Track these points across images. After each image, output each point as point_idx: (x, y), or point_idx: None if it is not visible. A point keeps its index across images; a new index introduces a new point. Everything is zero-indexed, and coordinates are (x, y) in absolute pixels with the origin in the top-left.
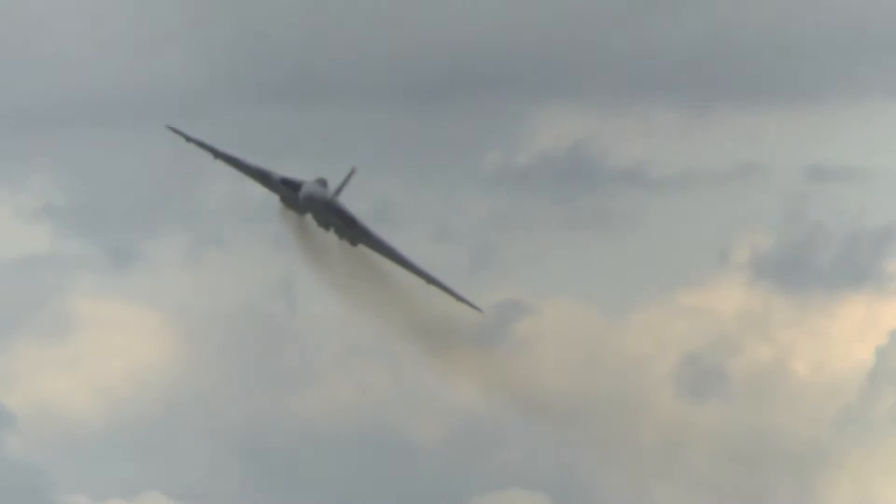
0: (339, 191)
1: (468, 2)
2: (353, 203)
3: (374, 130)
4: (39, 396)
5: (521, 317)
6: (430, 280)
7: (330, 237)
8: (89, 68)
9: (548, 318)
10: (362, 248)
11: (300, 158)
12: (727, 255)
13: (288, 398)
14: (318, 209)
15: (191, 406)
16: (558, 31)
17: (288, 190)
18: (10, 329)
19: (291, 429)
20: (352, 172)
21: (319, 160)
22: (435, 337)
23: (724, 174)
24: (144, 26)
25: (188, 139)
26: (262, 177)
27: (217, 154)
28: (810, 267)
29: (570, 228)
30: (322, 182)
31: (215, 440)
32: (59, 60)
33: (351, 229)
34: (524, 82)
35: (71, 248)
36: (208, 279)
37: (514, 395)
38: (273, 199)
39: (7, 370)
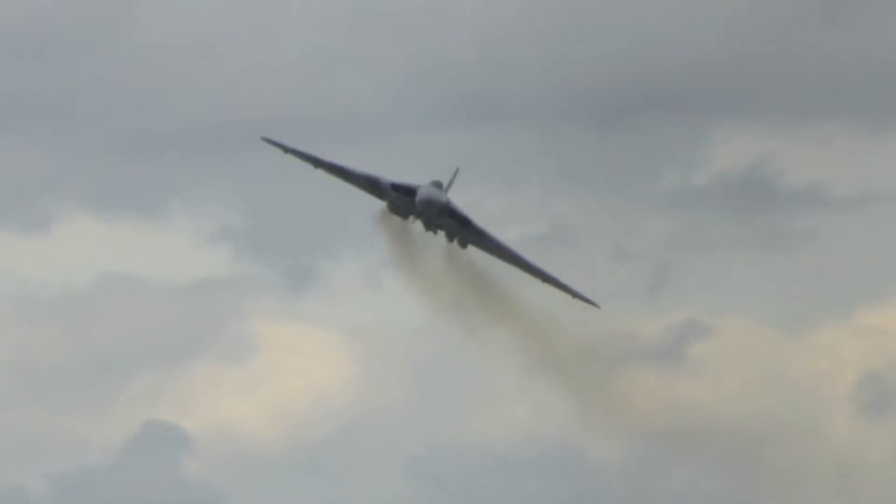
0: (447, 192)
1: (646, 24)
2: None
3: (552, 151)
4: (218, 419)
5: (698, 337)
6: (546, 278)
7: (437, 241)
8: (265, 91)
9: (725, 338)
10: (472, 251)
11: (478, 179)
12: None
13: (466, 418)
14: (434, 212)
15: (368, 427)
16: (736, 51)
17: (399, 195)
18: (189, 352)
19: (470, 449)
20: (456, 172)
21: (497, 181)
22: (611, 358)
23: None
24: (323, 48)
25: (286, 150)
26: (370, 183)
27: (318, 163)
28: None
29: (747, 248)
30: (438, 184)
31: (393, 461)
32: (236, 83)
33: (463, 230)
34: (702, 102)
35: (249, 270)
36: (386, 300)
37: (690, 415)
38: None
39: (186, 393)
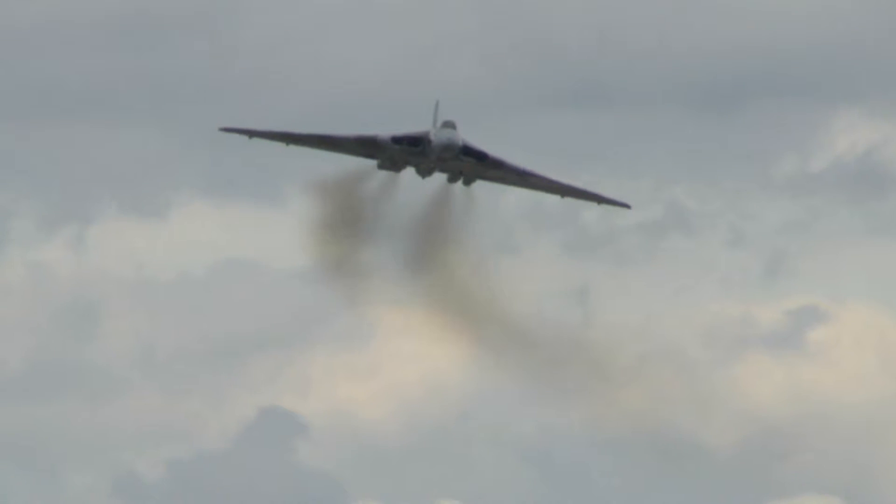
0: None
1: (765, 10)
2: None
3: (669, 136)
4: (334, 404)
5: (816, 323)
6: (569, 190)
7: (433, 185)
8: (377, 73)
9: (843, 324)
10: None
11: (594, 163)
12: None
13: (579, 404)
14: (453, 153)
15: (483, 413)
16: (854, 37)
17: (403, 146)
18: (305, 338)
19: (582, 435)
20: (437, 105)
21: (613, 166)
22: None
23: None
24: (436, 31)
25: (251, 135)
26: (364, 144)
27: (293, 139)
28: None
29: (864, 234)
30: (451, 125)
31: (508, 447)
32: (346, 72)
33: (478, 165)
34: (818, 89)
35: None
36: (500, 286)
37: (809, 400)
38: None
39: (303, 379)
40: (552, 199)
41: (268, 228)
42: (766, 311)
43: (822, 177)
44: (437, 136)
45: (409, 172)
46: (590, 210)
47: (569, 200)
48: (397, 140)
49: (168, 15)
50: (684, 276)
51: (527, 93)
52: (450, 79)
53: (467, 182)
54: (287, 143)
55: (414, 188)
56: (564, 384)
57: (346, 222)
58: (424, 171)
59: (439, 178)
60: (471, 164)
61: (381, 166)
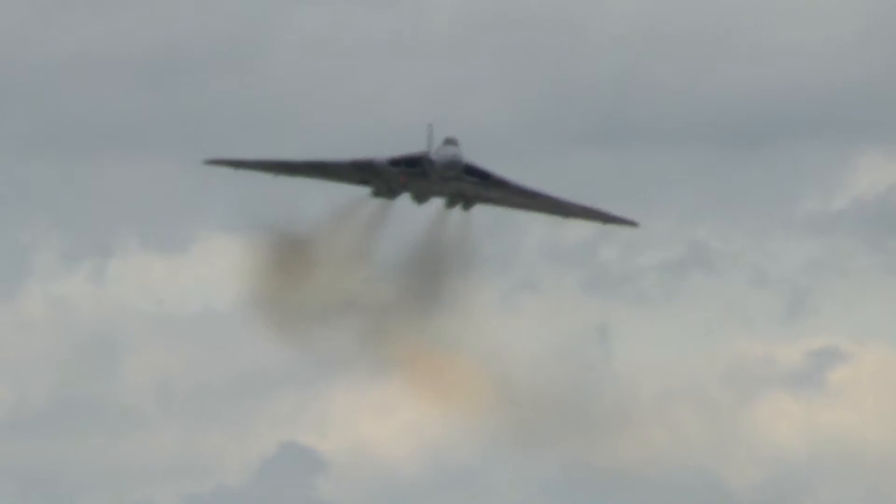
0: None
1: (787, 49)
2: None
3: (692, 174)
4: (354, 442)
5: (837, 364)
6: (574, 209)
7: (430, 211)
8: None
9: (864, 365)
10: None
11: (617, 199)
12: None
13: (601, 442)
14: (458, 171)
15: (503, 451)
16: (875, 77)
17: (401, 168)
18: (324, 376)
19: (604, 472)
20: (430, 128)
21: (636, 203)
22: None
23: None
24: (460, 67)
25: (237, 166)
26: (360, 168)
27: (283, 169)
28: None
29: (886, 273)
30: (453, 142)
31: (528, 485)
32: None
33: (481, 185)
34: (840, 129)
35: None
36: (523, 323)
37: (829, 441)
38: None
39: (322, 415)
40: (563, 236)
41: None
42: (786, 352)
43: (844, 216)
44: (440, 153)
45: (402, 200)
46: (609, 246)
47: (575, 230)
48: (395, 162)
49: (193, 49)
50: (705, 315)
51: (552, 130)
52: (476, 116)
53: (467, 206)
54: (276, 174)
55: (407, 217)
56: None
57: (347, 256)
58: (422, 196)
59: (436, 204)
60: (473, 184)
61: (375, 193)
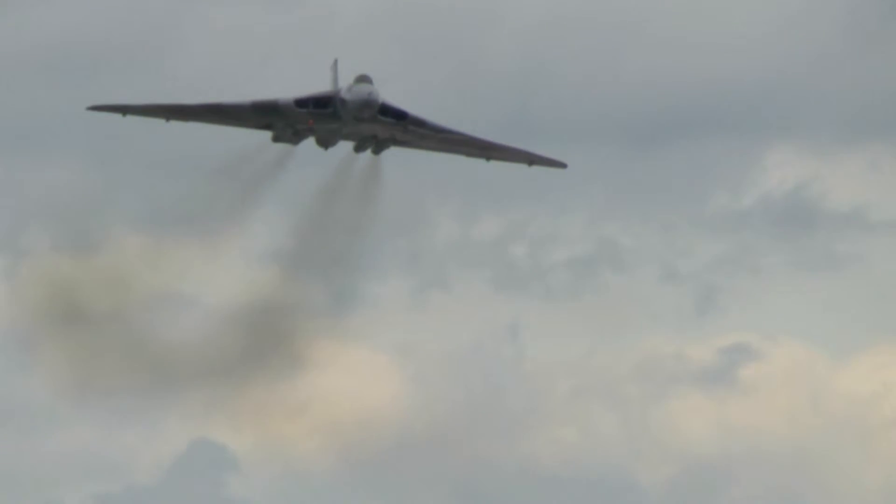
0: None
1: (695, 45)
2: None
3: (601, 173)
4: (266, 439)
5: (747, 360)
6: (497, 150)
7: (334, 156)
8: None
9: (774, 362)
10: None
11: (523, 199)
12: None
13: (514, 439)
14: (373, 111)
15: (417, 448)
16: (782, 74)
17: (309, 109)
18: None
19: (518, 470)
20: (335, 65)
21: (543, 201)
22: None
23: None
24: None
25: (125, 111)
26: (263, 111)
27: (177, 113)
28: None
29: (795, 270)
30: (367, 79)
31: (442, 482)
32: None
33: (397, 126)
34: (750, 125)
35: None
36: (434, 321)
37: (740, 437)
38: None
39: (235, 413)
40: (484, 234)
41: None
42: (697, 349)
43: (754, 213)
44: (353, 92)
45: (307, 145)
46: (519, 244)
47: (486, 226)
48: (302, 103)
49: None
50: (615, 313)
51: (458, 126)
52: None
53: (378, 150)
54: (168, 119)
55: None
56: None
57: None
58: (329, 140)
59: (344, 148)
60: (389, 125)
61: (276, 138)
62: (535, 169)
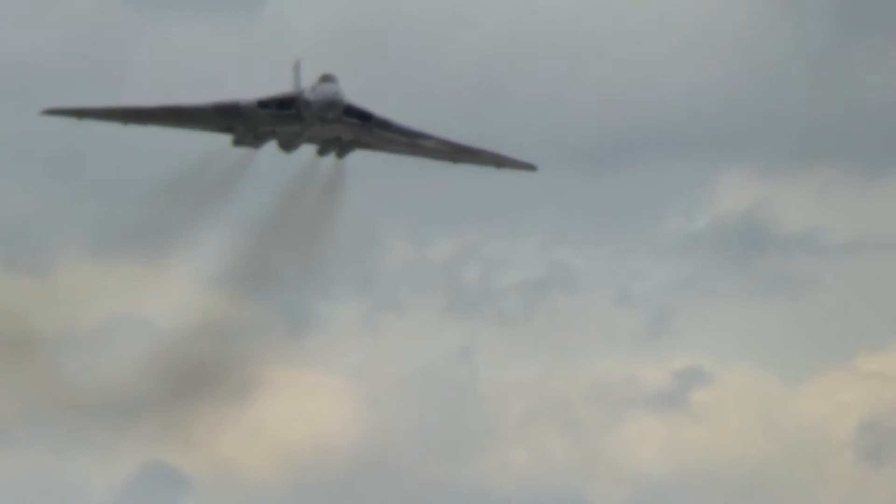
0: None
1: (644, 69)
2: None
3: (553, 196)
4: (220, 461)
5: (699, 384)
6: (466, 152)
7: (296, 160)
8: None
9: (726, 385)
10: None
11: (477, 222)
12: None
13: (468, 462)
14: (338, 112)
15: (370, 470)
16: (734, 97)
17: (273, 111)
18: (192, 394)
19: (471, 494)
20: (298, 65)
21: (497, 224)
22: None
23: None
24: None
25: (80, 115)
26: (225, 113)
27: (134, 116)
28: None
29: (748, 293)
30: (331, 78)
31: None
32: None
33: (362, 128)
34: (701, 147)
35: (249, 314)
36: (387, 344)
37: (690, 460)
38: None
39: (188, 435)
40: (436, 257)
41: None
42: (650, 372)
43: (706, 236)
44: (318, 92)
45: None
46: (473, 266)
47: (439, 250)
48: (264, 104)
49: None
50: (568, 336)
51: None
52: None
53: (342, 153)
54: (125, 122)
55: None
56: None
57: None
58: (292, 143)
59: (306, 152)
60: (354, 126)
61: (237, 142)
62: (492, 187)
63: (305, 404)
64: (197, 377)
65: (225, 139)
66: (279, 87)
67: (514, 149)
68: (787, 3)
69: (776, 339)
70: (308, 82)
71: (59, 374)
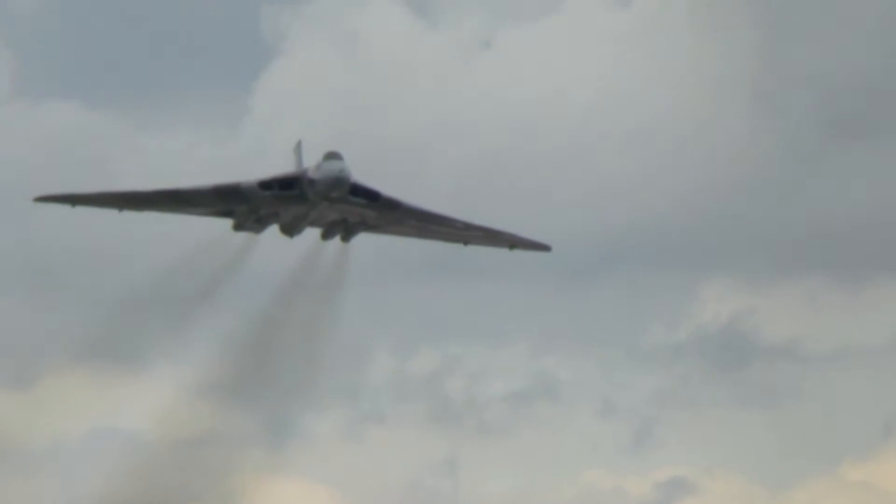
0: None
1: (627, 178)
2: None
3: (536, 305)
4: None
5: (683, 495)
6: (477, 232)
7: (301, 245)
8: None
9: (711, 495)
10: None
11: (462, 333)
12: (891, 429)
13: None
14: (344, 190)
15: None
16: (713, 207)
17: (274, 193)
18: None
19: None
20: (299, 145)
21: (482, 335)
22: None
23: (881, 348)
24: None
25: (73, 202)
26: (225, 195)
27: (130, 202)
28: None
29: (731, 403)
30: (337, 155)
31: None
32: None
33: (370, 208)
34: (683, 257)
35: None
36: (371, 455)
37: None
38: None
39: None
40: (420, 367)
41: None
42: (635, 482)
43: (689, 346)
44: (323, 170)
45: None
46: (456, 378)
47: (421, 363)
48: (266, 185)
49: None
50: (553, 446)
51: (395, 260)
52: None
53: (347, 236)
54: (121, 209)
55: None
56: None
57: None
58: (295, 226)
59: (310, 236)
60: (361, 206)
61: (238, 226)
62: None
63: None
64: (180, 489)
65: (225, 224)
66: (279, 169)
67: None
68: (769, 112)
69: (761, 449)
70: (310, 163)
71: (40, 488)
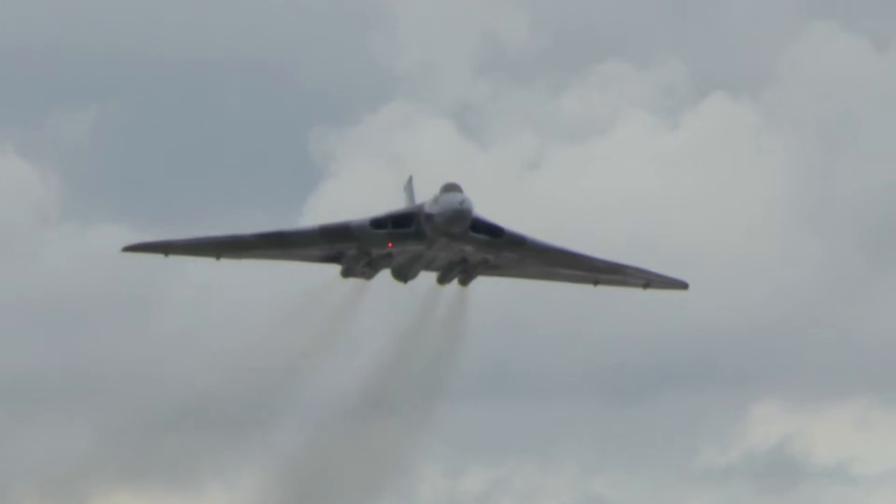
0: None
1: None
2: None
3: (585, 426)
4: None
5: None
6: (610, 270)
7: (416, 290)
8: None
9: None
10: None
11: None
12: None
13: None
14: (465, 225)
15: None
16: (765, 326)
17: (387, 231)
18: None
19: None
20: (410, 181)
21: (535, 457)
22: None
23: None
24: None
25: (167, 252)
26: (334, 236)
27: (227, 248)
28: None
29: None
30: (456, 187)
31: None
32: None
33: (492, 245)
34: (733, 378)
35: None
36: None
37: None
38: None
39: None
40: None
41: None
42: None
43: (740, 467)
44: (442, 202)
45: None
46: (503, 497)
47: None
48: (378, 223)
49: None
50: None
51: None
52: None
53: (465, 279)
54: (218, 256)
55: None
56: None
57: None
58: (408, 269)
59: (425, 280)
60: (482, 244)
61: (346, 272)
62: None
63: None
64: None
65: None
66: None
67: (548, 379)
68: (816, 233)
69: None
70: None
71: None
